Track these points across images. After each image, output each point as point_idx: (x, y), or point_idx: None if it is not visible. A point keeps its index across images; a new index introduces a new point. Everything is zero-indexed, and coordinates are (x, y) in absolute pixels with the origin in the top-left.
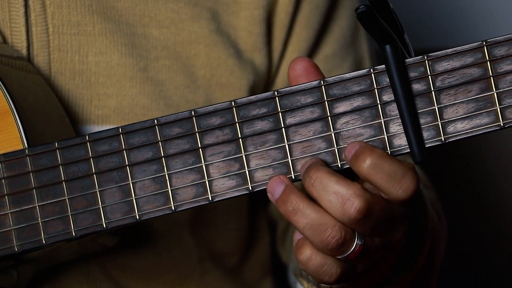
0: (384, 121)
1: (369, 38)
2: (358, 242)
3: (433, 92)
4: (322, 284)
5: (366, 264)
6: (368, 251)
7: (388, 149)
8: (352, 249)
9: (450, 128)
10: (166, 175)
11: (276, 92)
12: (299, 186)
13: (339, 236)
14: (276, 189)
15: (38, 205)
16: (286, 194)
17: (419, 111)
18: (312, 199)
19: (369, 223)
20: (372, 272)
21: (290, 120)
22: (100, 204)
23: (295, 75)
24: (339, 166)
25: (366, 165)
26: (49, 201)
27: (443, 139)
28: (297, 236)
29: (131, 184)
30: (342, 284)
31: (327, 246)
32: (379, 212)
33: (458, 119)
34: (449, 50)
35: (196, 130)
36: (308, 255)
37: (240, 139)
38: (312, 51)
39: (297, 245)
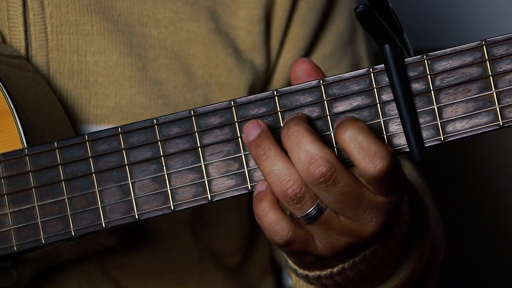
0: (383, 120)
1: (367, 38)
2: (318, 205)
3: (432, 91)
4: (309, 273)
5: (327, 242)
6: (329, 224)
7: None
8: (310, 210)
9: (449, 128)
10: (166, 175)
11: (275, 92)
12: None
13: (298, 190)
14: (252, 131)
15: (38, 205)
16: (261, 139)
17: (418, 111)
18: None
19: (331, 193)
20: (354, 276)
21: None
22: (99, 203)
23: (295, 77)
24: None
25: (344, 133)
26: (48, 201)
27: (442, 139)
28: (259, 187)
29: (130, 183)
30: (302, 261)
31: (285, 197)
32: (344, 185)
33: (458, 119)
34: (448, 50)
35: (196, 129)
36: (265, 210)
37: (240, 139)
38: (309, 51)
39: (257, 197)
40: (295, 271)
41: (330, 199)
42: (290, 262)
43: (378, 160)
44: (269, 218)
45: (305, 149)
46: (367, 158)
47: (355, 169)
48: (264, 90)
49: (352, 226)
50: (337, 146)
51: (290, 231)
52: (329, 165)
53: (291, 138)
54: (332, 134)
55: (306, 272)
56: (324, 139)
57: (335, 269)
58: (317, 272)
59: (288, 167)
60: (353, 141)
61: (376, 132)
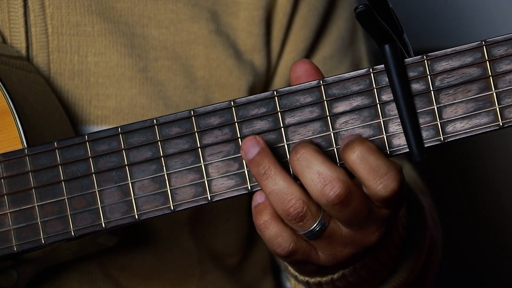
0: (383, 120)
1: (367, 40)
2: (320, 221)
3: (432, 91)
4: (310, 279)
5: (330, 254)
6: (332, 238)
7: (387, 148)
8: (313, 227)
9: (449, 128)
10: (165, 175)
11: (275, 92)
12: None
13: (300, 209)
14: (251, 149)
15: (37, 205)
16: (261, 157)
17: (418, 111)
18: (284, 168)
19: (345, 212)
20: (349, 274)
21: (289, 119)
22: (99, 203)
23: (296, 77)
24: (338, 165)
25: (353, 155)
26: (48, 201)
27: (442, 139)
28: (258, 199)
29: (130, 184)
30: (305, 270)
31: (287, 216)
32: (357, 204)
33: (457, 119)
34: (448, 50)
35: (195, 130)
36: (267, 222)
37: (240, 139)
38: (309, 52)
39: (257, 209)
40: (295, 277)
41: (341, 217)
42: (291, 269)
43: (389, 181)
44: (271, 230)
45: (317, 170)
46: (378, 179)
47: (363, 187)
48: (264, 91)
49: (355, 237)
50: (342, 162)
51: (292, 242)
52: (344, 185)
53: (300, 161)
54: (331, 134)
55: (307, 278)
56: (324, 139)
57: (335, 276)
58: (318, 279)
59: (289, 185)
60: (363, 162)
61: (376, 133)
